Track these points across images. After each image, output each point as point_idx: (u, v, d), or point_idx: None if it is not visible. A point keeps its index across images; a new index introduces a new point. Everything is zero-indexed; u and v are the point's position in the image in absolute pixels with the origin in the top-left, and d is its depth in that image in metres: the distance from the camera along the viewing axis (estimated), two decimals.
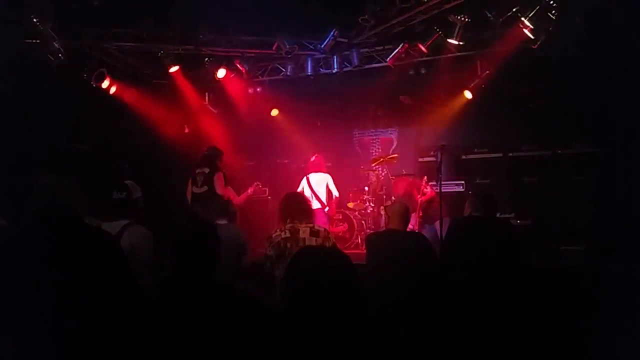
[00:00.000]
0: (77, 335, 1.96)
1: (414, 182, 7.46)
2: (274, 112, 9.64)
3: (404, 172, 8.33)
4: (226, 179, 6.70)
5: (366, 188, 8.73)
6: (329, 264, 1.90)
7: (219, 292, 2.21)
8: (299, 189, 7.62)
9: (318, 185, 7.59)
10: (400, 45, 7.59)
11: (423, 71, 8.25)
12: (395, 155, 8.81)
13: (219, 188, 6.57)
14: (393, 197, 8.05)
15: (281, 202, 4.29)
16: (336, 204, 8.18)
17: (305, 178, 7.72)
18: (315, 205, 7.40)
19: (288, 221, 4.08)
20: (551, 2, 6.24)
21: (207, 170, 6.69)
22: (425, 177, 7.16)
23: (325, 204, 7.63)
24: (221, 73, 8.31)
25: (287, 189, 6.18)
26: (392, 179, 8.35)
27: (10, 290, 1.99)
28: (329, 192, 7.66)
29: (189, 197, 6.75)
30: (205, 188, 6.61)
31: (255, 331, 2.03)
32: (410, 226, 7.02)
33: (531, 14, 6.35)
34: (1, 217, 3.93)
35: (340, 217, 8.44)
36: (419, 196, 7.32)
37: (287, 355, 1.80)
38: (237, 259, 4.44)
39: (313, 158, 7.90)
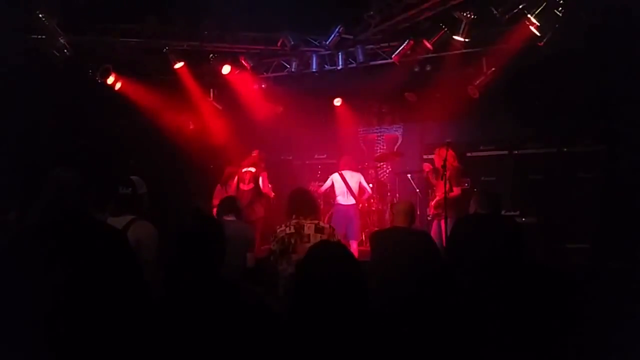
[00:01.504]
0: (84, 331, 1.97)
1: (458, 169, 6.98)
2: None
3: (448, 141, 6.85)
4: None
5: (370, 185, 8.74)
6: (342, 260, 1.91)
7: (224, 289, 2.21)
8: (327, 184, 7.70)
9: (352, 182, 7.64)
10: (406, 42, 7.56)
11: (428, 68, 8.21)
12: (398, 158, 8.93)
13: (264, 186, 7.81)
14: (428, 164, 7.60)
15: (288, 198, 4.31)
16: (367, 201, 8.42)
17: (337, 174, 7.72)
18: (350, 201, 7.57)
19: (293, 217, 4.10)
20: None
21: (253, 169, 7.83)
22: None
23: (359, 200, 7.74)
24: (226, 69, 8.32)
25: (291, 185, 6.22)
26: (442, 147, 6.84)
27: (18, 286, 2.00)
28: (361, 190, 7.73)
29: (233, 192, 7.56)
30: (252, 185, 7.77)
31: (260, 328, 2.03)
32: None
33: (537, 10, 6.31)
34: (9, 211, 3.95)
35: None
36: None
37: (290, 350, 1.80)
38: (243, 255, 4.44)
39: (343, 157, 8.00)
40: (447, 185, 6.33)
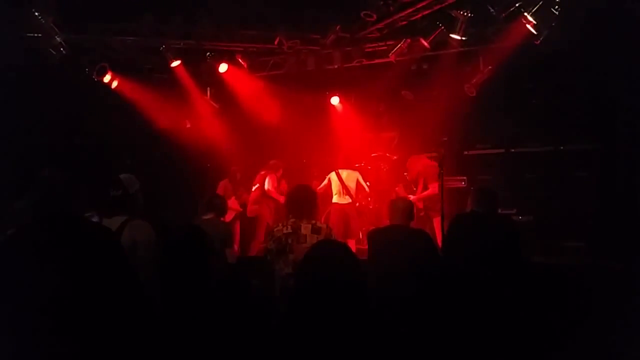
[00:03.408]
0: (76, 333, 1.96)
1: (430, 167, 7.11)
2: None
3: (430, 153, 7.47)
4: (279, 181, 8.31)
5: (368, 183, 8.73)
6: (343, 260, 1.91)
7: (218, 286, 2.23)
8: (324, 183, 7.73)
9: (349, 181, 7.64)
10: (403, 41, 7.57)
11: (425, 66, 8.23)
12: (395, 157, 8.86)
13: (267, 184, 8.14)
14: (406, 174, 7.86)
15: (287, 197, 4.32)
16: (365, 199, 8.39)
17: (334, 172, 7.73)
18: (346, 200, 7.59)
19: (291, 216, 4.09)
20: None
21: (263, 172, 8.30)
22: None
23: (356, 199, 7.73)
24: (223, 67, 8.32)
25: (288, 184, 6.24)
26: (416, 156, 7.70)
27: (10, 288, 1.99)
28: (359, 187, 7.73)
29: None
30: (259, 186, 8.26)
31: (258, 323, 2.04)
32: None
33: (534, 9, 6.31)
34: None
35: None
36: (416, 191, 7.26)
37: (288, 347, 1.80)
38: (221, 252, 4.49)
39: (340, 156, 8.01)
40: (421, 186, 7.11)
